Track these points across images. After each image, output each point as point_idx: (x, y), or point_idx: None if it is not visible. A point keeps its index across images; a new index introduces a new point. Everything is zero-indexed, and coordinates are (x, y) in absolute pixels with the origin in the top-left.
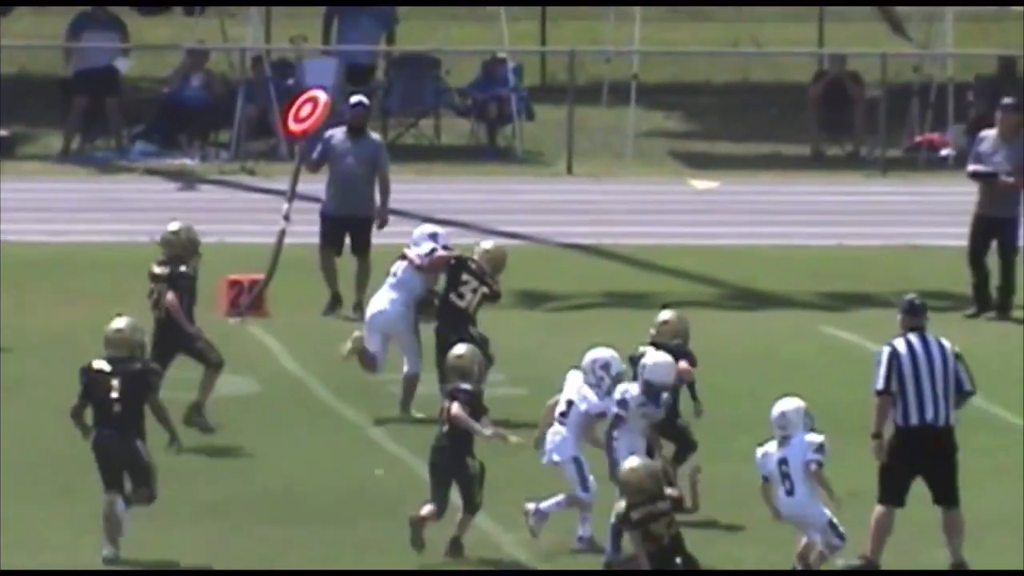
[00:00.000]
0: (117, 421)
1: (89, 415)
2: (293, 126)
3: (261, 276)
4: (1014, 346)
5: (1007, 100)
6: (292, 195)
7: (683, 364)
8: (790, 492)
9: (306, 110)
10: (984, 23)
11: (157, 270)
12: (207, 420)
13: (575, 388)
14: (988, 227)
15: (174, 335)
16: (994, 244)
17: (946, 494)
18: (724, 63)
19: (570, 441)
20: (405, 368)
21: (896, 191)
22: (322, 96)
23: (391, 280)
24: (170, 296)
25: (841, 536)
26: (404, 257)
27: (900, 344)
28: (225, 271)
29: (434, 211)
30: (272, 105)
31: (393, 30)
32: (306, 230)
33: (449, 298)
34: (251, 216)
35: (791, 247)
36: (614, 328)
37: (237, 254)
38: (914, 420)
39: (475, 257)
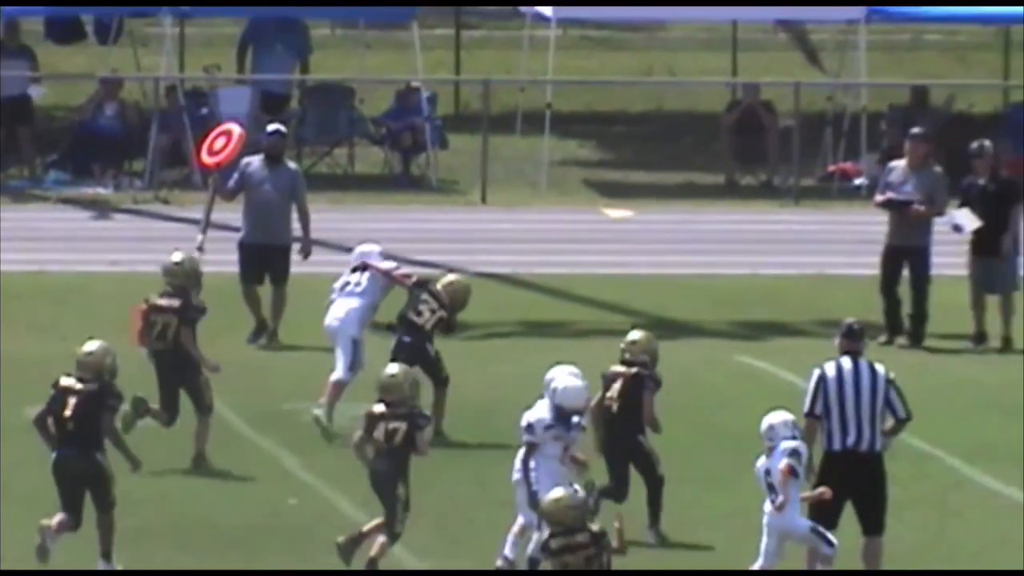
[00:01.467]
0: (72, 439)
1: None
2: (207, 159)
3: None
4: (927, 374)
5: (915, 130)
6: (206, 226)
7: (646, 405)
8: (773, 502)
9: (220, 143)
10: (897, 53)
11: (163, 302)
12: (210, 462)
13: (536, 412)
14: (899, 257)
15: (178, 368)
16: (906, 273)
17: (870, 521)
18: (638, 92)
19: None
20: (335, 373)
21: (809, 220)
22: (236, 129)
23: (354, 289)
24: (186, 333)
25: (830, 543)
26: (364, 268)
27: (830, 368)
28: (139, 300)
29: (348, 240)
30: (186, 134)
31: (307, 59)
32: (221, 259)
33: (408, 315)
34: (165, 245)
35: (705, 276)
36: (529, 357)
37: (151, 283)
38: (836, 445)
39: (439, 286)
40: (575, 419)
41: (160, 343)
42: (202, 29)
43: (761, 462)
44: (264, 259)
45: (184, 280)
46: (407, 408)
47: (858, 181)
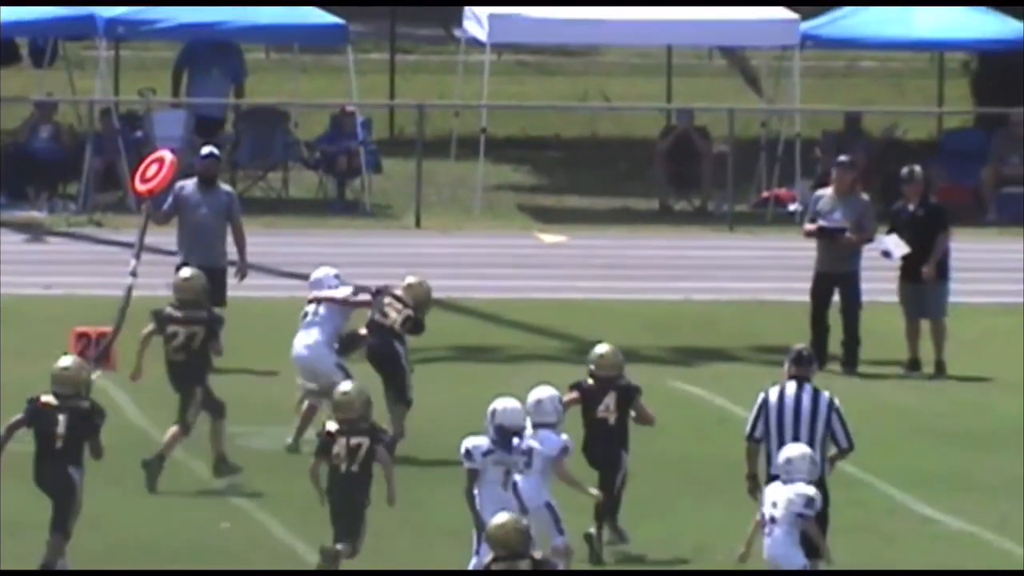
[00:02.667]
0: (58, 455)
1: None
2: (139, 186)
3: (109, 329)
4: (860, 400)
5: (842, 158)
6: (139, 251)
7: (642, 410)
8: (770, 533)
9: (152, 170)
10: (831, 79)
11: (181, 314)
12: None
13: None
14: (829, 284)
15: (190, 378)
16: (836, 299)
17: (810, 544)
18: (572, 117)
19: (538, 488)
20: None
21: (743, 246)
22: (168, 156)
23: (314, 319)
24: (215, 343)
25: None
26: (318, 300)
27: (773, 392)
28: (73, 323)
29: (283, 264)
30: (121, 157)
31: (242, 83)
32: (154, 282)
33: (375, 318)
34: (99, 268)
35: (639, 301)
36: (462, 382)
37: (85, 306)
38: (776, 468)
39: (399, 291)
40: (515, 440)
41: (182, 354)
42: (137, 52)
43: (772, 490)
44: None
45: (194, 295)
46: (368, 423)
47: (792, 207)
